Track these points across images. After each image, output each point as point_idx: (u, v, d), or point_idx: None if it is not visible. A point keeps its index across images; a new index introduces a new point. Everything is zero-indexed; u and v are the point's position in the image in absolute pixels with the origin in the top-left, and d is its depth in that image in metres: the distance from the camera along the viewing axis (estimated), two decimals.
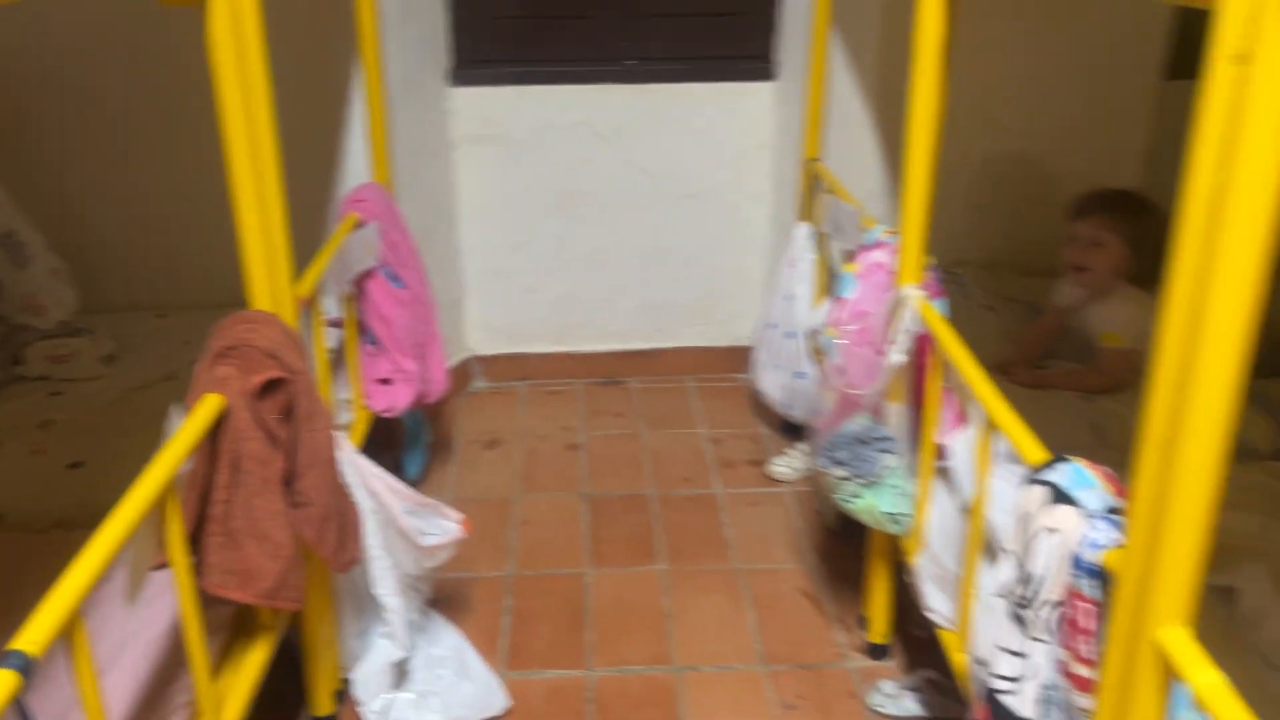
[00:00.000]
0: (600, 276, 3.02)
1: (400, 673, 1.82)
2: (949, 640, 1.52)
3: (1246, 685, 1.32)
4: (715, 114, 2.86)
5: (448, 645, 1.92)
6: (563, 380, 3.09)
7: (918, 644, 1.93)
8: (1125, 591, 0.93)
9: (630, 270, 3.02)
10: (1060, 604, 1.05)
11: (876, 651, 1.95)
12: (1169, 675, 0.88)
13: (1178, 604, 0.88)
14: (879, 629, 1.94)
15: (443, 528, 1.82)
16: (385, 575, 1.74)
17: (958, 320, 2.30)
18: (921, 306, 1.63)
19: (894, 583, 1.89)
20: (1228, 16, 0.74)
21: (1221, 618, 1.43)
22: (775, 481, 2.56)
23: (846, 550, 2.20)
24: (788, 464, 2.58)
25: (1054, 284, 2.26)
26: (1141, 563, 0.90)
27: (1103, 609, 1.00)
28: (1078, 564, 1.02)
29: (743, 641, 2.01)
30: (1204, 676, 0.84)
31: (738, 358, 3.03)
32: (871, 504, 1.71)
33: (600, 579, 2.20)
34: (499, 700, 1.83)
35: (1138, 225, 2.09)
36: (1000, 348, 2.24)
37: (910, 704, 1.82)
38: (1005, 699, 1.11)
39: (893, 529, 1.70)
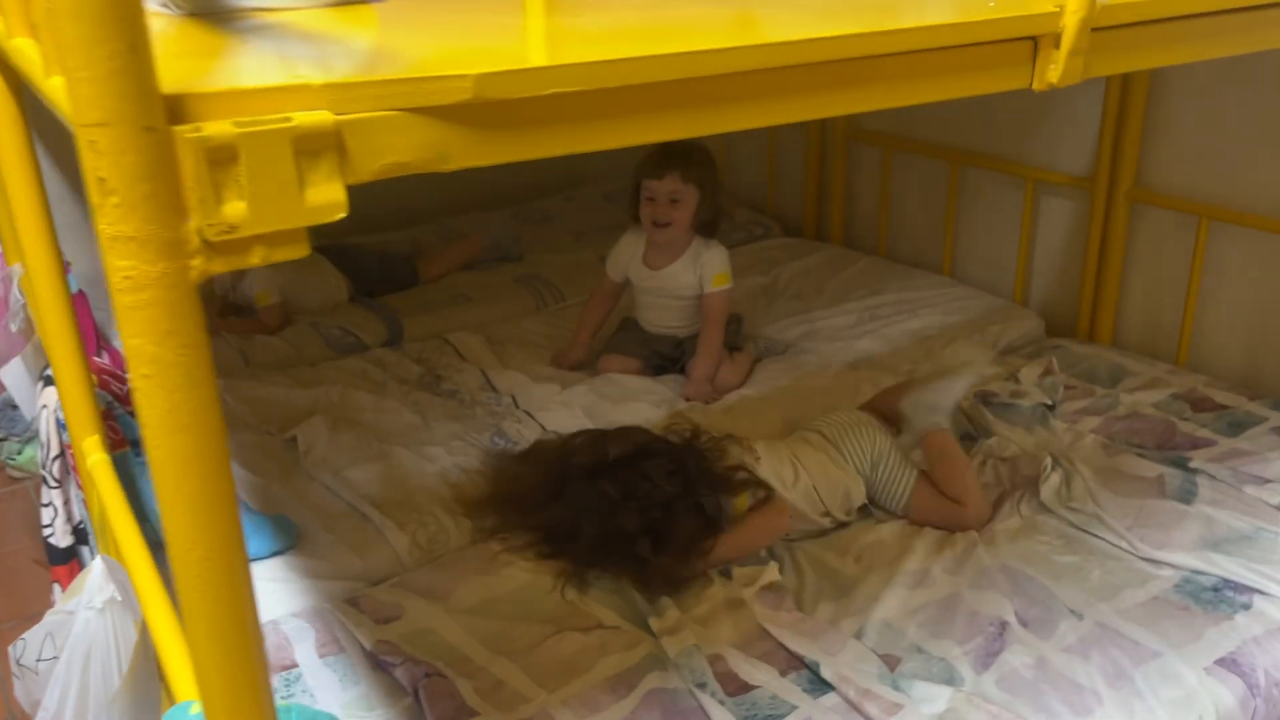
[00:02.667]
0: None
1: None
2: None
3: (302, 494, 1.84)
4: None
5: None
6: None
7: None
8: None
9: None
10: (60, 455, 1.45)
11: None
12: (87, 466, 1.31)
13: (85, 426, 1.31)
14: None
15: None
16: None
17: None
18: (20, 280, 1.95)
19: None
20: None
21: (291, 457, 1.97)
22: (17, 480, 2.71)
23: None
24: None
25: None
26: (67, 404, 1.32)
27: None
28: (60, 423, 1.42)
29: None
30: (96, 456, 1.28)
31: None
32: (31, 455, 2.00)
33: None
34: None
35: None
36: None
37: None
38: (50, 540, 1.50)
39: None
